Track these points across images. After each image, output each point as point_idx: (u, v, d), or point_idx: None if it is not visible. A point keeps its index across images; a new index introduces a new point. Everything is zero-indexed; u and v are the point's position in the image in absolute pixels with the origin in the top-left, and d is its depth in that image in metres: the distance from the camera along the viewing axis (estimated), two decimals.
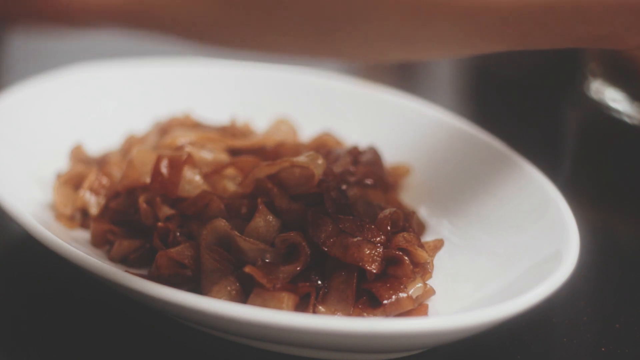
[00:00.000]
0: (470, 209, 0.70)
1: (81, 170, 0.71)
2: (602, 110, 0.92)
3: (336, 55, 0.47)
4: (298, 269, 0.59)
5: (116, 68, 0.84)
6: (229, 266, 0.60)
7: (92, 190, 0.68)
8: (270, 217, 0.62)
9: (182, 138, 0.72)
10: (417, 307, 0.60)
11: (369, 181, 0.68)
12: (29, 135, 0.75)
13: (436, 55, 0.54)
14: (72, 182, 0.70)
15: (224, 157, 0.70)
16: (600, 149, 0.91)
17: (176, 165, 0.66)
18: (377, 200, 0.67)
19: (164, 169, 0.65)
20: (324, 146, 0.73)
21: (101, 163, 0.73)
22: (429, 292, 0.61)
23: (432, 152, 0.76)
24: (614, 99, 0.91)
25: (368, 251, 0.59)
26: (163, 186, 0.65)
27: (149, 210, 0.65)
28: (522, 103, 1.00)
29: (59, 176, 0.71)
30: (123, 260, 0.65)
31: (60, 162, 0.74)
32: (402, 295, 0.59)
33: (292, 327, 0.51)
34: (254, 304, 0.58)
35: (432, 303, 0.61)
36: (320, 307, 0.59)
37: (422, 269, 0.62)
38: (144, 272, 0.63)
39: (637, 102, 0.90)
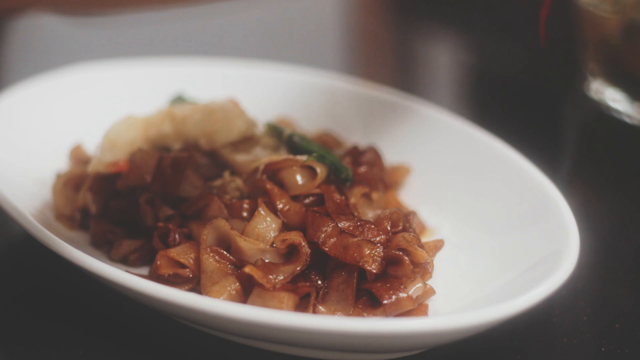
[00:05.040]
0: (470, 209, 0.70)
1: (81, 170, 0.71)
2: (602, 110, 0.92)
3: None
4: (298, 269, 0.59)
5: (116, 68, 0.84)
6: (229, 266, 0.60)
7: (92, 190, 0.68)
8: (270, 217, 0.62)
9: None
10: (417, 307, 0.60)
11: (369, 181, 0.68)
12: (29, 135, 0.75)
13: None
14: (72, 182, 0.70)
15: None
16: (600, 149, 0.91)
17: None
18: (377, 200, 0.67)
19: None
20: (324, 146, 0.73)
21: None
22: (429, 292, 0.61)
23: (432, 152, 0.76)
24: (614, 99, 0.91)
25: (368, 251, 0.59)
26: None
27: (149, 210, 0.65)
28: (522, 103, 1.00)
29: (58, 176, 0.71)
30: (123, 260, 0.65)
31: (60, 162, 0.74)
32: (402, 295, 0.59)
33: (292, 327, 0.51)
34: (254, 304, 0.58)
35: (432, 303, 0.61)
36: (320, 307, 0.59)
37: (422, 269, 0.62)
38: (144, 272, 0.63)
39: (637, 102, 0.90)
